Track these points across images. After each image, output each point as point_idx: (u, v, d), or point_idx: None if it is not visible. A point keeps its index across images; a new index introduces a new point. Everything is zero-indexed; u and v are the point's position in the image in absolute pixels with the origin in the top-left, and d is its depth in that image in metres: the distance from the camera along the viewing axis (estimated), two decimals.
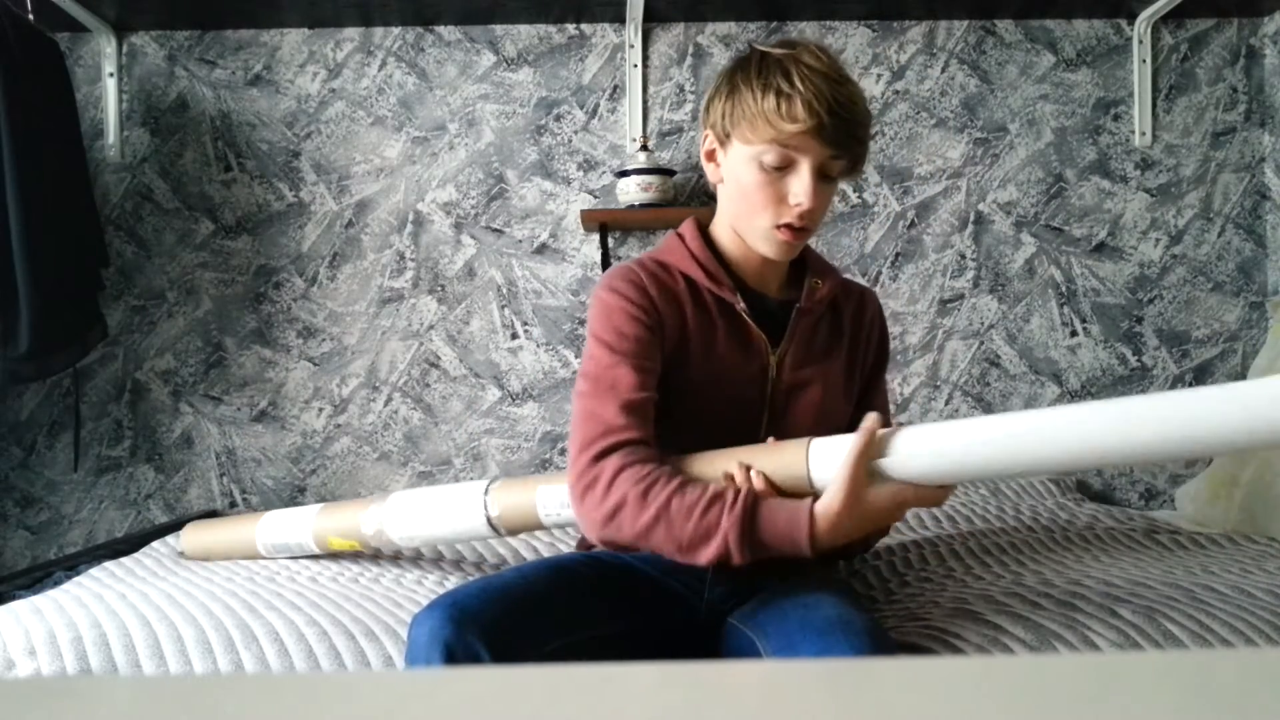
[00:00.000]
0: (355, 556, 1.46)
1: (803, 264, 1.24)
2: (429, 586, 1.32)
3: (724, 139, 1.16)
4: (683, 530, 1.01)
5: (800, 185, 1.10)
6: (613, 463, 1.05)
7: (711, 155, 1.19)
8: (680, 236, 1.21)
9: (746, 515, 1.00)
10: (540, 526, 1.23)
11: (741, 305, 1.17)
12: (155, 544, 1.65)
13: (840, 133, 1.08)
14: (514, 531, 1.26)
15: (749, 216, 1.14)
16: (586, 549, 1.26)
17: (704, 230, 1.22)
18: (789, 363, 1.18)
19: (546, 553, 1.55)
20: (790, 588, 1.10)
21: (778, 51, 1.12)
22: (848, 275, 1.31)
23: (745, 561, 1.01)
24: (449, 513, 1.27)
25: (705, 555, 1.01)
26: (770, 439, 1.10)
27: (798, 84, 1.08)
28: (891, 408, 2.36)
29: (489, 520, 1.24)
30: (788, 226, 1.12)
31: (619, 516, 1.03)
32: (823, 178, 1.11)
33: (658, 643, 1.13)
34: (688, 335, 1.15)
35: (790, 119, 1.07)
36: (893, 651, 1.00)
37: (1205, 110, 2.39)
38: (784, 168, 1.10)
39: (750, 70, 1.12)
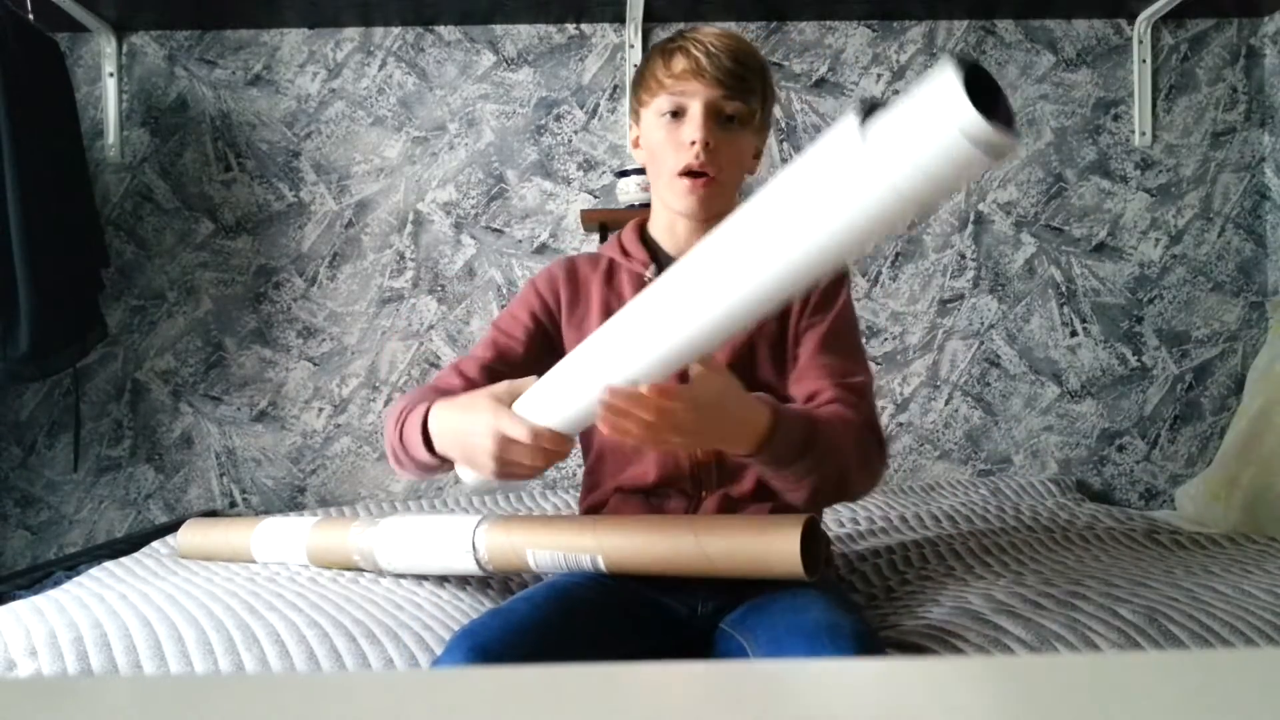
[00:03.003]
0: None
1: None
2: (429, 588, 1.32)
3: (636, 116, 1.23)
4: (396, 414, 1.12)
5: (691, 124, 1.15)
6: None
7: (636, 141, 1.25)
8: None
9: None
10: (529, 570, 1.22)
11: (649, 274, 1.20)
12: (155, 544, 1.65)
13: (721, 71, 1.14)
14: (502, 573, 1.26)
15: (658, 173, 1.20)
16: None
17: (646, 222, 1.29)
18: None
19: None
20: (780, 591, 1.09)
21: (682, 30, 1.22)
22: None
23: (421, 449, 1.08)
24: (437, 552, 1.25)
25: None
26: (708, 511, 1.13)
27: (680, 41, 1.17)
28: (890, 407, 2.38)
29: (478, 563, 1.22)
30: (689, 173, 1.15)
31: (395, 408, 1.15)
32: (720, 121, 1.15)
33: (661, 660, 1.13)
34: (590, 317, 1.21)
35: (671, 66, 1.15)
36: (881, 655, 0.99)
37: (1205, 110, 2.39)
38: (679, 116, 1.16)
39: (655, 46, 1.22)
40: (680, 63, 1.14)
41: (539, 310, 1.25)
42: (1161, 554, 1.48)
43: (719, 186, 1.16)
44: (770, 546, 1.02)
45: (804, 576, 1.02)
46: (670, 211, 1.21)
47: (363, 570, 1.37)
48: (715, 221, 1.19)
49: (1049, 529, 1.63)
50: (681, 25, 1.25)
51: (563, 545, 1.14)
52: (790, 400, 1.15)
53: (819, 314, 1.19)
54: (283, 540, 1.42)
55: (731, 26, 2.38)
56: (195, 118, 2.35)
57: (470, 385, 1.15)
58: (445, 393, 1.12)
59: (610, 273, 1.24)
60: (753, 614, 1.08)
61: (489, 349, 1.23)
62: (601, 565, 1.12)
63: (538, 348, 1.23)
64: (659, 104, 1.16)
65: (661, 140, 1.17)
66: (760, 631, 1.03)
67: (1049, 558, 1.44)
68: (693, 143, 1.14)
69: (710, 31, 1.17)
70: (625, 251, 1.23)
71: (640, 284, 1.20)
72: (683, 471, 1.18)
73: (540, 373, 1.11)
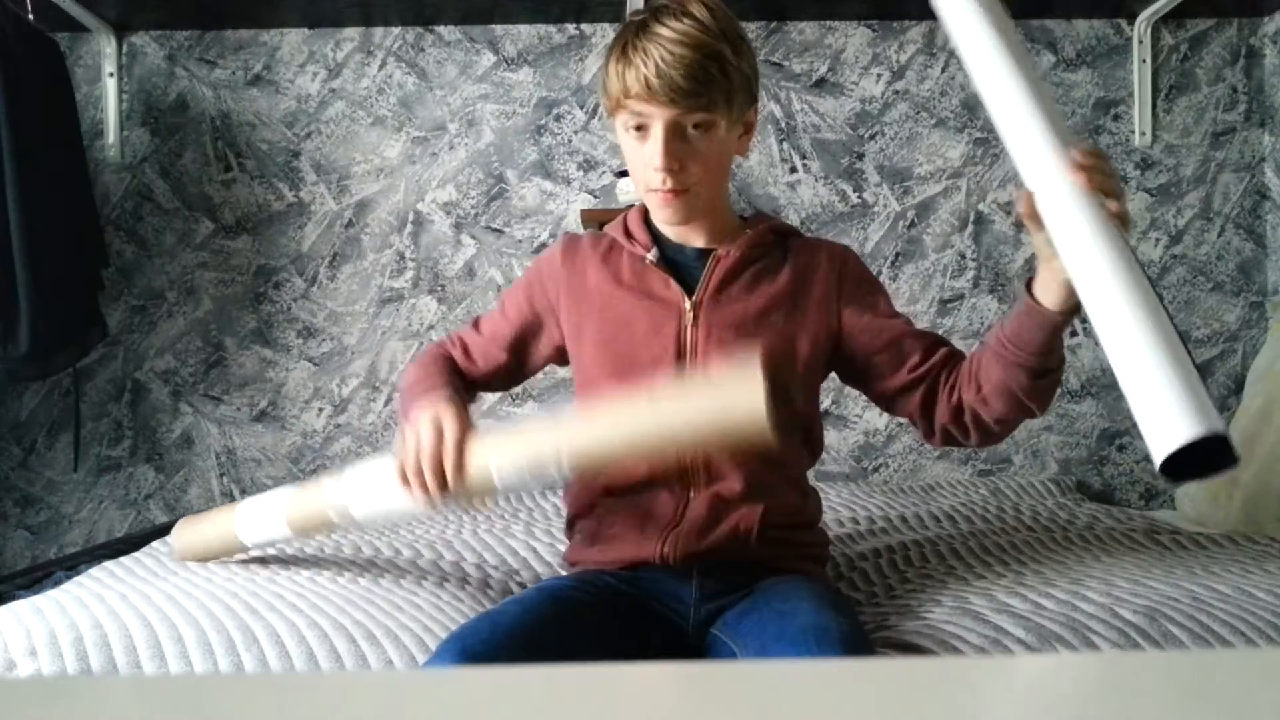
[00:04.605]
0: (354, 558, 1.47)
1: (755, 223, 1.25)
2: (429, 589, 1.32)
3: (609, 115, 1.20)
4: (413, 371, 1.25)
5: (652, 147, 1.11)
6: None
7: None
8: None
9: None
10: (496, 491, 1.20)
11: (651, 256, 1.19)
12: (155, 544, 1.64)
13: (674, 91, 1.07)
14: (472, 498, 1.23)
15: (636, 184, 1.19)
16: (572, 564, 1.26)
17: None
18: (705, 305, 1.17)
19: (547, 554, 1.55)
20: (770, 594, 1.08)
21: (643, 15, 1.14)
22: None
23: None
24: (402, 492, 1.21)
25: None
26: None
27: (629, 53, 1.10)
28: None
29: None
30: (657, 189, 1.13)
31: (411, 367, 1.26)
32: (683, 136, 1.11)
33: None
34: (588, 295, 1.22)
35: (624, 86, 1.10)
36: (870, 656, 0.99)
37: (1205, 110, 2.39)
38: (643, 131, 1.12)
39: (617, 39, 1.15)
40: (632, 81, 1.09)
41: (537, 296, 1.26)
42: (1161, 554, 1.48)
43: (692, 196, 1.14)
44: (732, 402, 0.96)
45: (767, 431, 0.93)
46: None
47: (338, 529, 1.31)
48: (704, 219, 1.20)
49: (1049, 529, 1.62)
50: (653, 9, 1.13)
51: (526, 454, 1.10)
52: (806, 400, 1.22)
53: (862, 292, 1.22)
54: (264, 517, 1.38)
55: None
56: (195, 118, 2.35)
57: (464, 357, 1.29)
58: (448, 358, 1.28)
59: (610, 250, 1.24)
60: (744, 618, 1.07)
61: (490, 324, 1.30)
62: (566, 466, 1.08)
63: (526, 333, 1.28)
64: (624, 119, 1.13)
65: (631, 152, 1.15)
66: (749, 637, 1.02)
67: (1049, 558, 1.44)
68: (654, 165, 1.11)
69: (664, 35, 1.08)
70: (629, 234, 1.22)
71: (639, 265, 1.20)
72: (670, 468, 1.17)
73: (526, 359, 1.27)
